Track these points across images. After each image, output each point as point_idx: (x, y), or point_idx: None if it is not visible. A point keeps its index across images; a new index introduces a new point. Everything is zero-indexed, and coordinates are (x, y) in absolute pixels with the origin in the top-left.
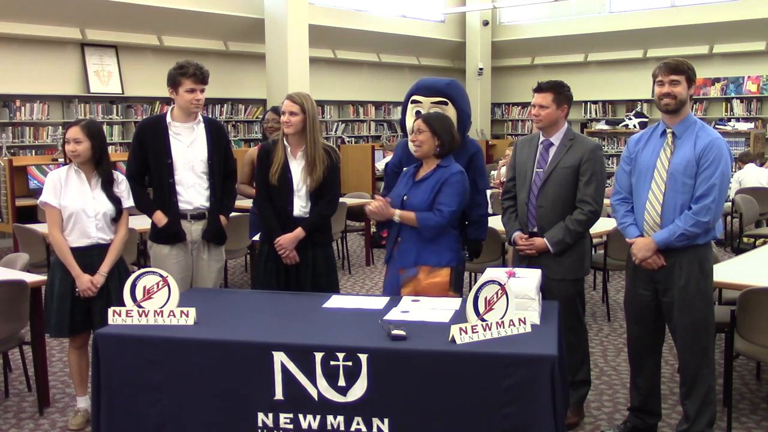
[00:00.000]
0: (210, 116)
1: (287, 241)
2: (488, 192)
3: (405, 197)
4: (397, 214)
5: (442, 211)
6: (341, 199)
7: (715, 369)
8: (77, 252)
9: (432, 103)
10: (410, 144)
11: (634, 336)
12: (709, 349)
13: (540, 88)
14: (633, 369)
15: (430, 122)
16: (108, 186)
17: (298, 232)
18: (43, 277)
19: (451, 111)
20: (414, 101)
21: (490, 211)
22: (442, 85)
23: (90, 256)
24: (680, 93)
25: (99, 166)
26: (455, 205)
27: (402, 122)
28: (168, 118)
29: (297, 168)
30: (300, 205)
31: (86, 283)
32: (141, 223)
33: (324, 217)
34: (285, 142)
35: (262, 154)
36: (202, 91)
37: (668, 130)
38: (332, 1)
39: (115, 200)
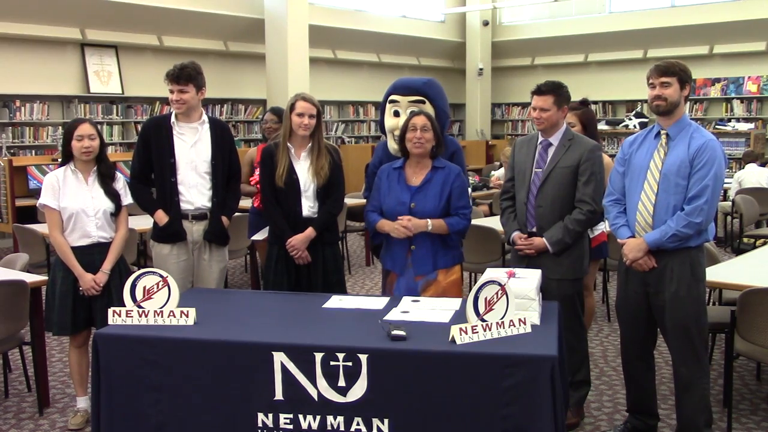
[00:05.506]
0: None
1: (299, 241)
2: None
3: (412, 205)
4: (430, 224)
5: (466, 214)
6: None
7: (710, 373)
8: (78, 251)
9: (410, 102)
10: (390, 143)
11: (627, 338)
12: (701, 354)
13: (540, 91)
14: (626, 371)
15: (433, 122)
16: (108, 182)
17: (310, 232)
18: (43, 278)
19: (429, 109)
20: (392, 101)
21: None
22: (420, 84)
23: (91, 254)
24: (671, 95)
25: (101, 162)
26: (470, 204)
27: (381, 122)
28: (172, 118)
29: (302, 168)
30: (308, 206)
31: (89, 282)
32: (141, 223)
33: (332, 216)
34: (288, 144)
35: (266, 157)
36: (182, 91)
37: (662, 132)
38: (332, 1)
39: (114, 195)
